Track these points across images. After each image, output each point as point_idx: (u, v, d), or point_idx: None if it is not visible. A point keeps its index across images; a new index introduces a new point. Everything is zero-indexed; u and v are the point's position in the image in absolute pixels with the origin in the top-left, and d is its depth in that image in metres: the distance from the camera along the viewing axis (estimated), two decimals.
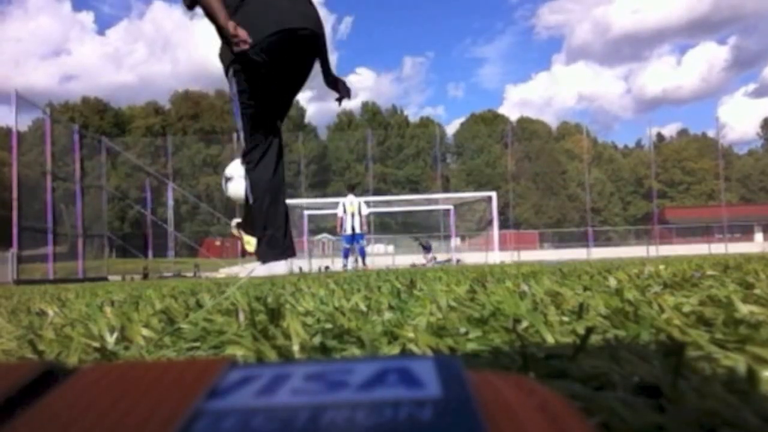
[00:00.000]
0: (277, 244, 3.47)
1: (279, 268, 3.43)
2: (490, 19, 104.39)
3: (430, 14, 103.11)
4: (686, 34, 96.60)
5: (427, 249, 22.83)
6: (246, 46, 3.03)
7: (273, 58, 3.18)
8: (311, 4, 3.38)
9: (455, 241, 25.89)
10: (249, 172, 3.45)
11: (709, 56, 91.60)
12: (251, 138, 3.41)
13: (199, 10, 3.23)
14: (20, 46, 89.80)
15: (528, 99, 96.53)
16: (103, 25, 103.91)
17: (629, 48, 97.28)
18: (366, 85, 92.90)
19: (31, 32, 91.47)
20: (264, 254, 3.49)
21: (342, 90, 3.63)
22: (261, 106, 3.35)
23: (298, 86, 3.51)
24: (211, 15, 3.13)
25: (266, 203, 3.43)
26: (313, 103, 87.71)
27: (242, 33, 3.03)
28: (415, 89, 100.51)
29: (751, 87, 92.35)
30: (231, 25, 3.05)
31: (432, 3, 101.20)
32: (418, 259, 22.66)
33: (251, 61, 3.17)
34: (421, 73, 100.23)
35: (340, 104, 3.71)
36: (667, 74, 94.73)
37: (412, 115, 75.44)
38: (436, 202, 24.43)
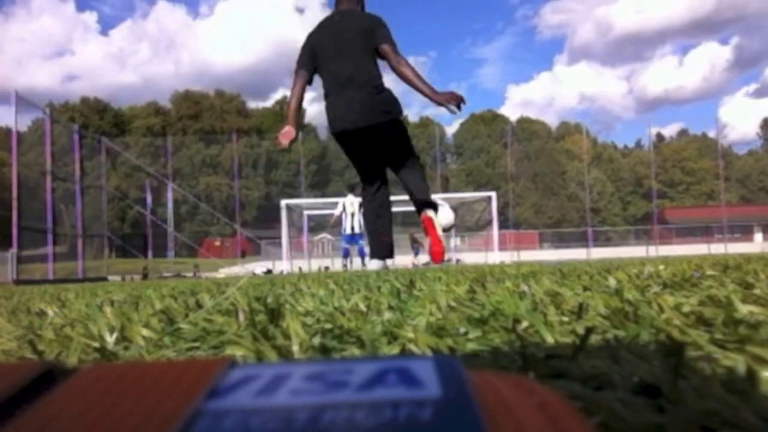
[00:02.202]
0: (375, 250, 4.66)
1: (373, 265, 4.55)
2: (492, 19, 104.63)
3: (432, 14, 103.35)
4: (688, 34, 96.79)
5: (416, 251, 22.78)
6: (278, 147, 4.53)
7: (341, 143, 4.44)
8: (368, 100, 4.20)
9: (455, 241, 25.88)
10: (361, 205, 4.79)
11: (711, 56, 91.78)
12: (361, 182, 4.60)
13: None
14: (24, 46, 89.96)
15: (530, 99, 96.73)
16: (106, 26, 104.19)
17: (631, 48, 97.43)
18: None
19: (35, 32, 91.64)
20: (372, 253, 4.70)
21: (449, 100, 4.16)
22: (357, 165, 4.52)
23: (377, 153, 4.39)
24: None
25: (368, 224, 4.66)
26: (314, 103, 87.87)
27: (284, 137, 4.38)
28: None
29: (753, 87, 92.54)
30: (281, 133, 4.39)
31: (434, 3, 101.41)
32: (422, 258, 22.64)
33: (339, 139, 4.44)
34: (424, 72, 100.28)
35: (455, 112, 4.25)
36: (668, 74, 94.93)
37: (415, 114, 75.53)
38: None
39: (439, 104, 4.11)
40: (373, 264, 4.58)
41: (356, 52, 4.21)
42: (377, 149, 4.37)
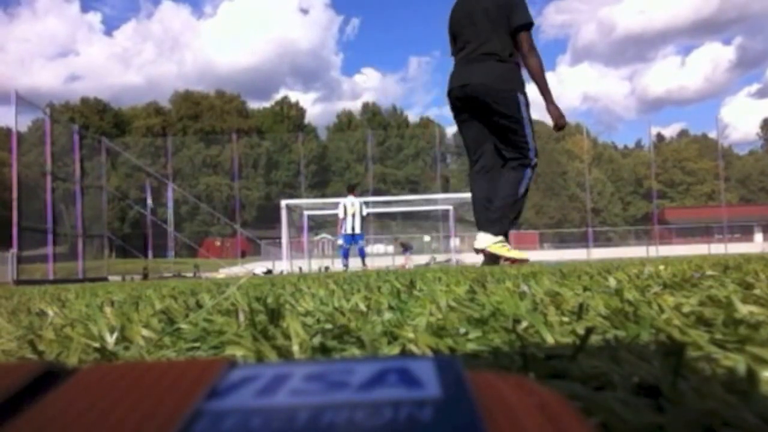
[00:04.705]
0: (484, 222, 4.40)
1: (482, 242, 4.37)
2: None
3: (435, 14, 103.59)
4: (691, 34, 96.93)
5: (406, 249, 22.69)
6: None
7: (454, 106, 4.49)
8: (485, 67, 4.27)
9: (455, 241, 25.89)
10: (470, 185, 4.58)
11: (714, 56, 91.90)
12: (469, 157, 4.56)
13: None
14: (28, 46, 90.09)
15: (532, 99, 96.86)
16: (110, 26, 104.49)
17: (634, 48, 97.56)
18: (371, 85, 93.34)
19: (39, 33, 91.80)
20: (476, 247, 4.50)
21: (554, 119, 4.40)
22: (466, 137, 4.53)
23: (487, 124, 4.38)
24: None
25: (476, 212, 4.46)
26: (317, 104, 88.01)
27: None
28: (422, 89, 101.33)
29: (755, 87, 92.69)
30: None
31: (434, 3, 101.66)
32: (422, 259, 22.63)
33: (450, 105, 4.52)
34: (428, 72, 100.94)
35: (556, 131, 4.56)
36: (671, 75, 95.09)
37: (416, 115, 75.75)
38: (435, 202, 24.43)
39: (549, 113, 4.34)
40: (482, 240, 4.33)
41: (486, 28, 4.27)
42: (487, 119, 4.34)
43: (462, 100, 4.36)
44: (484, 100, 4.27)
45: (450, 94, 4.42)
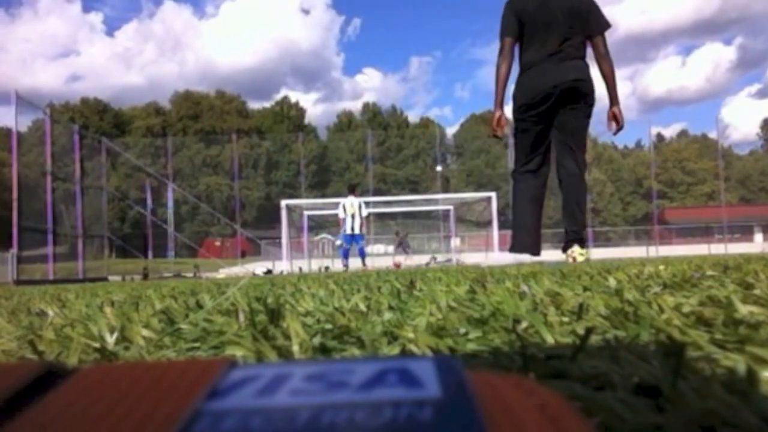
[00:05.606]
0: (524, 242, 4.44)
1: (523, 258, 4.37)
2: (493, 19, 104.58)
3: (436, 15, 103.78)
4: (692, 34, 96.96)
5: (404, 250, 22.42)
6: (493, 134, 4.59)
7: (536, 111, 4.33)
8: (576, 65, 4.32)
9: (455, 241, 25.90)
10: (514, 185, 4.57)
11: (715, 57, 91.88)
12: (519, 160, 4.53)
13: None
14: (29, 46, 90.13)
15: None
16: (112, 26, 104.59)
17: (635, 49, 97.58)
18: (372, 85, 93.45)
19: (41, 33, 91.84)
20: (512, 246, 4.47)
21: (613, 122, 4.48)
22: (531, 136, 4.42)
23: (561, 125, 4.40)
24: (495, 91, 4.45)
25: (519, 210, 4.47)
26: (318, 104, 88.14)
27: (499, 125, 4.47)
28: (423, 89, 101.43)
29: (755, 87, 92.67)
30: (495, 116, 4.46)
31: (438, 3, 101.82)
32: (422, 258, 22.60)
33: (522, 111, 4.38)
34: (429, 73, 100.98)
35: (614, 134, 4.60)
36: (671, 75, 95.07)
37: (416, 115, 75.77)
38: (436, 202, 24.46)
39: (609, 116, 4.43)
40: (507, 257, 4.37)
41: (568, 30, 4.27)
42: (564, 116, 4.34)
43: (552, 98, 4.28)
44: (579, 96, 4.30)
45: (548, 89, 4.28)
